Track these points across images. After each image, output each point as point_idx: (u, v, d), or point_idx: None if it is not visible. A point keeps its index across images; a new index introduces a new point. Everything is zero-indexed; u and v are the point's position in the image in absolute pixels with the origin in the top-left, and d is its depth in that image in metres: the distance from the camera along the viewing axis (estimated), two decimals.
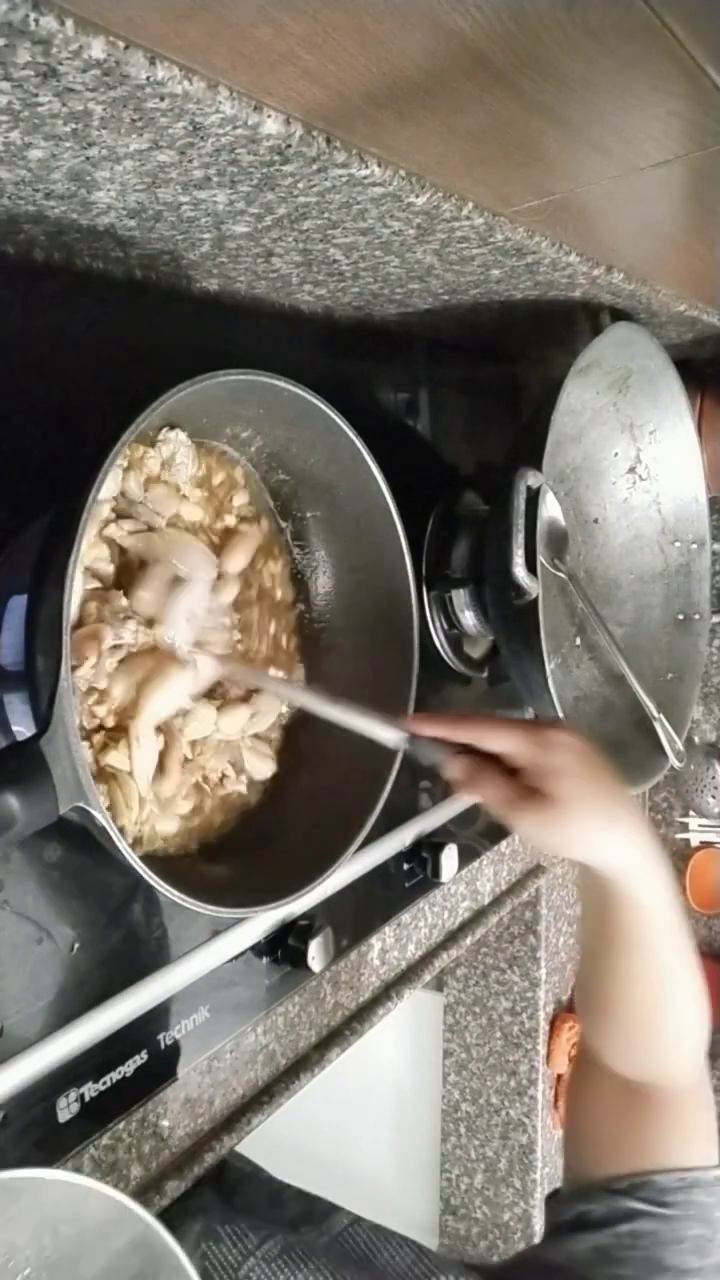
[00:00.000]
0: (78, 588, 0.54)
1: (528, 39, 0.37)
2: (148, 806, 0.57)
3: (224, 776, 0.65)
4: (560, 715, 0.74)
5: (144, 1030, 0.62)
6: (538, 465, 0.72)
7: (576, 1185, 0.60)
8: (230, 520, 0.66)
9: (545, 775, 0.53)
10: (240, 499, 0.66)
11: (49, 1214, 0.45)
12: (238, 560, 0.65)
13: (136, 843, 0.58)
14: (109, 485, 0.56)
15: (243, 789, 0.66)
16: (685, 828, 1.47)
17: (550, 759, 0.54)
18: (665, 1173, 0.57)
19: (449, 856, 0.88)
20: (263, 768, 0.66)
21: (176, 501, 0.61)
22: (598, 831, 0.54)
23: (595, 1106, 0.62)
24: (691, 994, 0.60)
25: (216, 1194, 0.67)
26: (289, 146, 0.42)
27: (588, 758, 0.55)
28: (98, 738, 0.55)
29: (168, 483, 0.60)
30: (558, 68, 0.40)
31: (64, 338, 0.59)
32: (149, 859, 0.54)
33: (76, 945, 0.58)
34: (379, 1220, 0.65)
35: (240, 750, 0.65)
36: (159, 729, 0.58)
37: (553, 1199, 0.63)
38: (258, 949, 0.71)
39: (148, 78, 0.35)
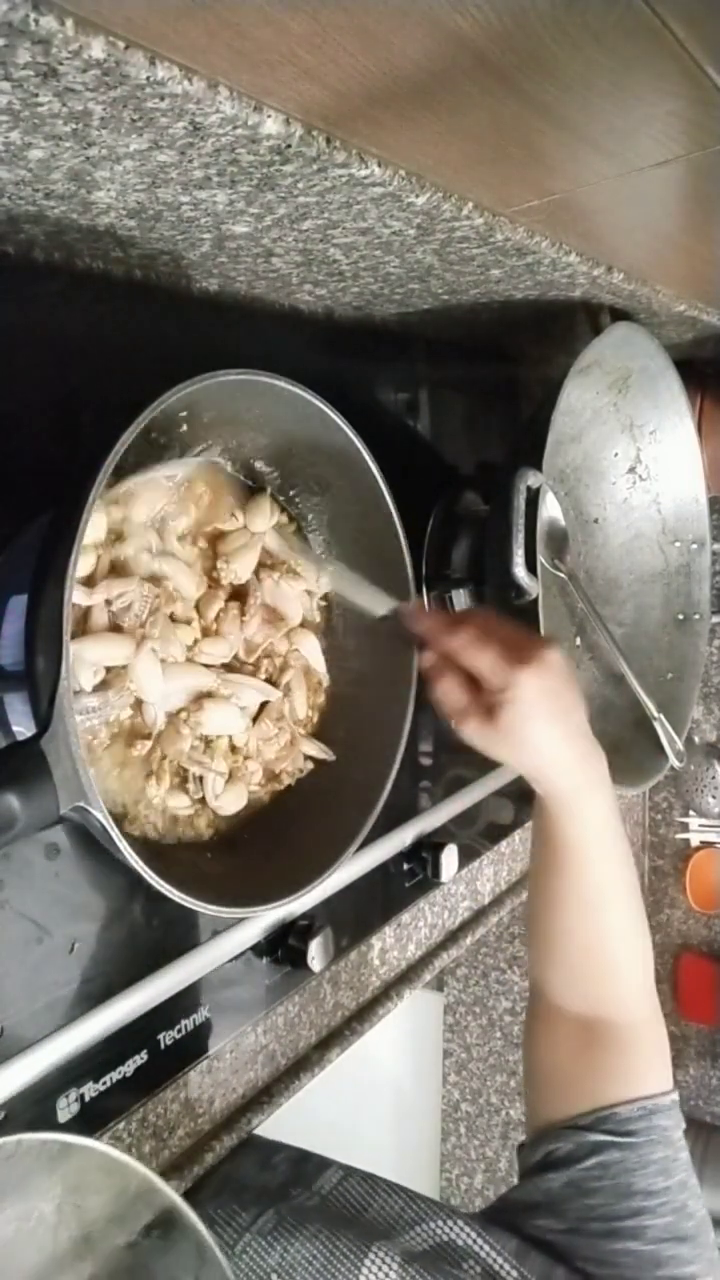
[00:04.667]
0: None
1: (528, 39, 0.37)
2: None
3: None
4: None
5: (144, 1030, 0.62)
6: (538, 465, 0.72)
7: (540, 1128, 0.62)
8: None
9: (500, 702, 0.57)
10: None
11: (77, 1182, 0.45)
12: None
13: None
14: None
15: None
16: (685, 828, 1.48)
17: (511, 690, 0.57)
18: (625, 1104, 0.59)
19: (449, 856, 0.88)
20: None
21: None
22: (533, 754, 0.59)
23: (550, 1050, 0.64)
24: (631, 921, 0.62)
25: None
26: (289, 146, 0.42)
27: (548, 688, 0.58)
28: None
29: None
30: (558, 68, 0.40)
31: (64, 338, 0.59)
32: (149, 858, 0.54)
33: (76, 945, 0.58)
34: None
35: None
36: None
37: (522, 1148, 0.64)
38: (258, 949, 0.71)
39: (148, 78, 0.35)
